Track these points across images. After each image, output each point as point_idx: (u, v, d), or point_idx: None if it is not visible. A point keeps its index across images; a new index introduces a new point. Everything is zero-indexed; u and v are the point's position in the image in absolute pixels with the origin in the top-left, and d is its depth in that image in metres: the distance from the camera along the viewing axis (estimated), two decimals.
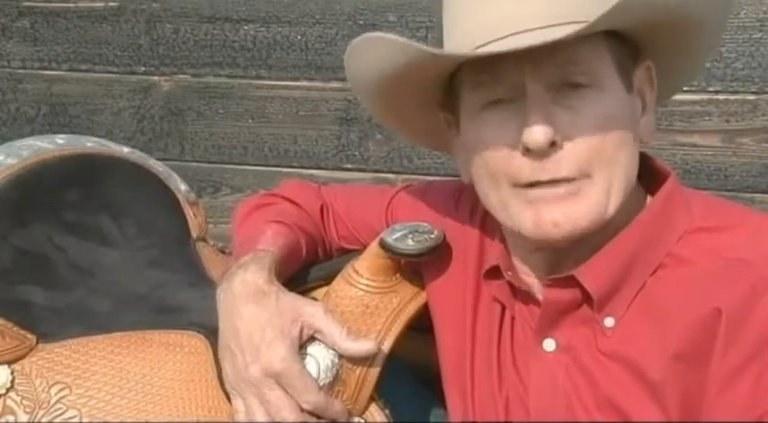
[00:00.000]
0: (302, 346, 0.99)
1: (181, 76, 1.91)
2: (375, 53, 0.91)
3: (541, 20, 0.85)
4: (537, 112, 0.85)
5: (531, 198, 0.87)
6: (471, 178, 0.96)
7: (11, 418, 1.08)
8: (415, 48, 0.87)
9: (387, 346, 1.02)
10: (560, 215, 0.86)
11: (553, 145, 0.85)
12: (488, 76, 0.88)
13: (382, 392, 1.03)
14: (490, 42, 0.86)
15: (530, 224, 0.88)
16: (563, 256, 0.92)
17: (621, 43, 0.89)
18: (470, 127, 0.92)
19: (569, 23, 0.83)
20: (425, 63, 0.88)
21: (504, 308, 1.00)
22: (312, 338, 1.00)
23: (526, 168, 0.86)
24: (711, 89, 1.63)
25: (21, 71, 2.00)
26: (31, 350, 1.13)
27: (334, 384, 1.00)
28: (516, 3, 0.86)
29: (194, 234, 1.35)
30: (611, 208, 0.88)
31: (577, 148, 0.85)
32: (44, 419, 1.07)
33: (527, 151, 0.85)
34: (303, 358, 0.98)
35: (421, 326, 1.07)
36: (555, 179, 0.86)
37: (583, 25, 0.81)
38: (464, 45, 0.89)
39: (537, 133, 0.84)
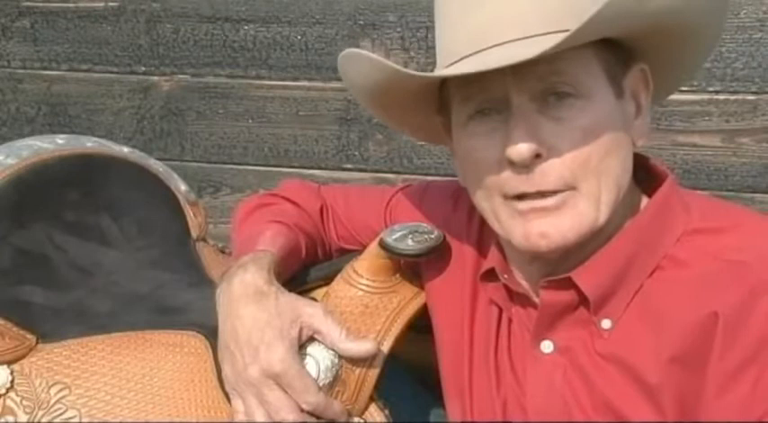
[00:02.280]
0: (302, 346, 0.99)
1: (181, 76, 1.91)
2: (359, 68, 0.91)
3: (526, 29, 0.84)
4: (520, 126, 0.85)
5: (520, 210, 0.87)
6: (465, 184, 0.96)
7: (11, 418, 1.08)
8: (389, 67, 0.88)
9: (386, 347, 1.02)
10: (549, 227, 0.86)
11: (538, 157, 0.85)
12: (474, 88, 0.87)
13: (382, 393, 1.03)
14: (473, 54, 0.86)
15: (519, 236, 0.88)
16: (560, 260, 0.92)
17: (611, 49, 0.88)
18: (460, 137, 0.92)
19: (554, 33, 0.82)
20: (406, 78, 0.89)
21: (501, 310, 1.00)
22: (312, 339, 1.00)
23: (513, 180, 0.86)
24: (711, 89, 1.63)
25: (21, 71, 2.00)
26: (30, 350, 1.13)
27: (333, 385, 1.00)
28: (501, 10, 0.85)
29: (194, 234, 1.35)
30: (602, 218, 0.87)
31: (564, 159, 0.85)
32: (44, 419, 1.07)
33: (512, 164, 0.85)
34: (303, 359, 0.98)
35: (421, 326, 1.07)
36: (541, 191, 0.86)
37: (564, 35, 0.80)
38: (451, 54, 0.89)
39: (520, 147, 0.84)
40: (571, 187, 0.86)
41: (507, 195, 0.88)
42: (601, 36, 0.85)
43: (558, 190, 0.86)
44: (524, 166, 0.85)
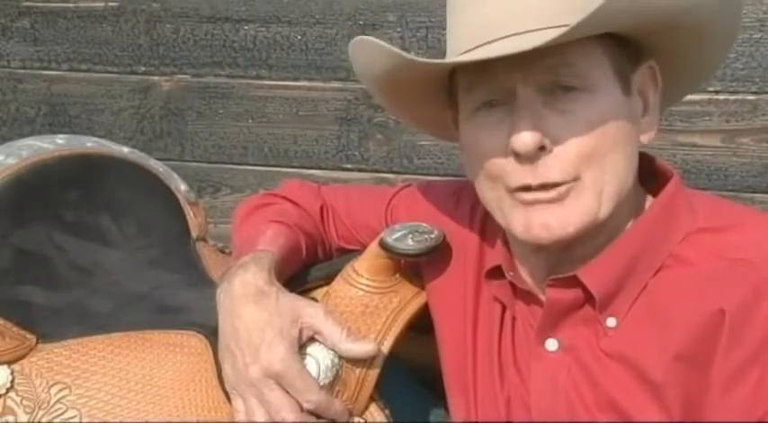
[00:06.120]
0: (302, 346, 0.99)
1: (181, 76, 1.91)
2: (368, 55, 0.92)
3: (537, 21, 0.85)
4: (526, 117, 0.85)
5: (523, 201, 0.87)
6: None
7: (11, 418, 1.08)
8: (396, 53, 0.88)
9: (386, 347, 1.02)
10: (550, 218, 0.86)
11: (543, 149, 0.85)
12: (481, 78, 0.88)
13: (382, 392, 1.03)
14: (482, 45, 0.86)
15: (520, 227, 0.88)
16: (565, 256, 0.92)
17: (620, 45, 0.88)
18: (467, 128, 0.93)
19: (564, 26, 0.82)
20: (415, 67, 0.89)
21: (504, 308, 1.00)
22: (312, 339, 1.00)
23: (517, 172, 0.86)
24: (711, 89, 1.62)
25: (21, 71, 2.00)
26: (30, 350, 1.13)
27: (334, 384, 1.00)
28: (512, 3, 0.86)
29: (194, 234, 1.35)
30: (603, 212, 0.87)
31: (568, 151, 0.85)
32: (44, 419, 1.07)
33: (517, 155, 0.86)
34: (303, 358, 0.98)
35: (421, 326, 1.07)
36: (545, 183, 0.86)
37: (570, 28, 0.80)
38: (461, 45, 0.89)
39: (525, 138, 0.84)
40: (575, 178, 0.86)
41: (511, 187, 0.88)
42: (607, 30, 0.85)
43: (561, 182, 0.86)
44: (528, 158, 0.85)
